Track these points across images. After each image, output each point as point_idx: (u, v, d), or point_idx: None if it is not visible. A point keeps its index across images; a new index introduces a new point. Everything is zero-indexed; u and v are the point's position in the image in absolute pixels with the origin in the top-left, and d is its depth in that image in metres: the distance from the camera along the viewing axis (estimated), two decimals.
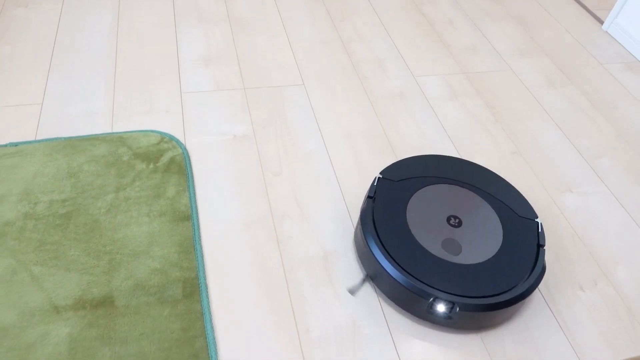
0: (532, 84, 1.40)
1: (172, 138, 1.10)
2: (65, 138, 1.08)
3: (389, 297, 0.86)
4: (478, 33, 1.56)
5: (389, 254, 0.84)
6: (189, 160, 1.07)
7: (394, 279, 0.82)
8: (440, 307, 0.80)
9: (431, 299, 0.80)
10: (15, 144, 1.05)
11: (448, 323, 0.83)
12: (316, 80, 1.32)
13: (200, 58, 1.35)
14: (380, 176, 0.97)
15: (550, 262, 0.98)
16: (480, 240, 0.89)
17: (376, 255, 0.84)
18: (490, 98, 1.34)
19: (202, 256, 0.90)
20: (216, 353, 0.77)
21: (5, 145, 1.04)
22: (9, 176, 0.98)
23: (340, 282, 0.90)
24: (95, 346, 0.76)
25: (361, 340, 0.83)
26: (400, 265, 0.83)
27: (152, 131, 1.12)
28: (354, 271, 0.92)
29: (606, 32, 1.63)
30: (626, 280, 0.96)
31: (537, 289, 0.92)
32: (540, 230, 0.91)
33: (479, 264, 0.85)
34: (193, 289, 0.85)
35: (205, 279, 0.86)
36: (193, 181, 1.03)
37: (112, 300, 0.82)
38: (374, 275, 0.87)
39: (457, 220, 0.91)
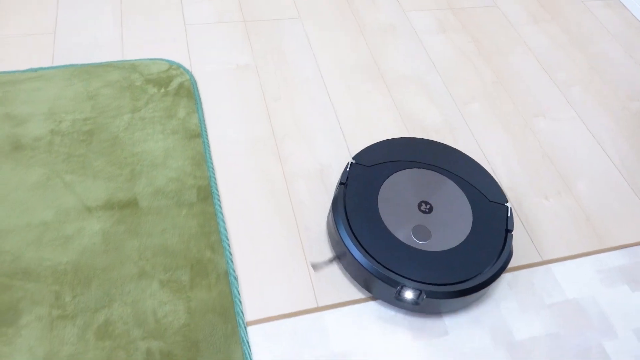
0: (515, 20, 1.48)
1: (179, 66, 1.19)
2: (80, 65, 1.16)
3: (359, 283, 0.88)
4: None
5: (359, 242, 0.85)
6: (196, 86, 1.16)
7: (363, 266, 0.83)
8: (408, 295, 0.82)
9: (399, 287, 0.82)
10: (35, 70, 1.13)
11: (415, 308, 0.85)
12: (311, 14, 1.40)
13: None
14: (353, 161, 0.95)
15: (520, 176, 1.11)
16: (450, 227, 0.89)
17: (346, 243, 0.85)
18: (475, 32, 1.42)
19: (213, 168, 1.01)
20: (228, 244, 0.90)
21: (26, 71, 1.13)
22: (33, 98, 1.08)
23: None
24: (125, 238, 0.89)
25: None
26: (369, 254, 0.84)
27: (161, 59, 1.20)
28: None
29: None
30: (585, 193, 1.10)
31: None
32: (509, 215, 0.92)
33: (448, 250, 0.86)
34: (206, 194, 0.97)
35: (216, 186, 0.98)
36: (201, 104, 1.13)
37: (136, 203, 0.94)
38: (345, 264, 0.89)
39: (427, 206, 0.91)
